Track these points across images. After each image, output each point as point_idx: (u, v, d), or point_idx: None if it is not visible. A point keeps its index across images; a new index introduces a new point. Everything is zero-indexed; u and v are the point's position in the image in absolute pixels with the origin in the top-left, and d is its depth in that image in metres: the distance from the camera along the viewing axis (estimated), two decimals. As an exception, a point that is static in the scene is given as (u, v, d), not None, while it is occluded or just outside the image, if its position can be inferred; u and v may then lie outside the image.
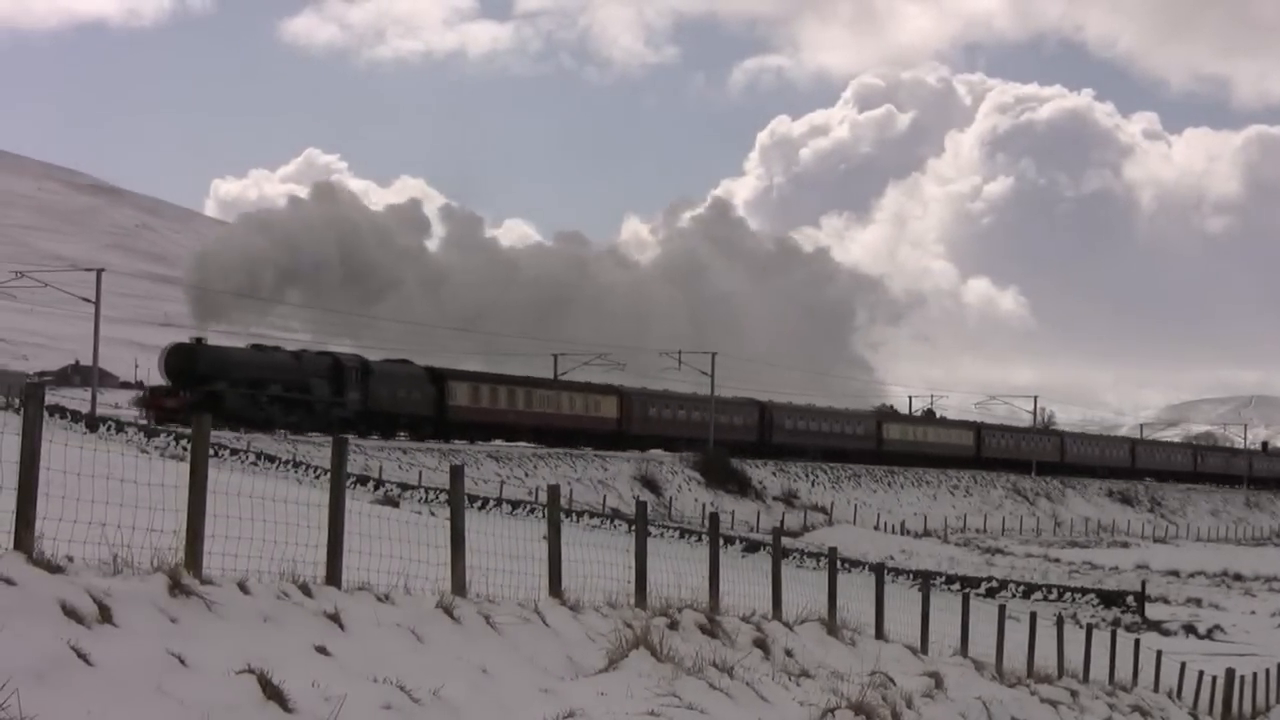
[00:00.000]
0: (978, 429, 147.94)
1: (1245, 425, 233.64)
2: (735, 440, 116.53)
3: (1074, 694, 21.21)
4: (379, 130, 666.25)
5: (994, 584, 70.67)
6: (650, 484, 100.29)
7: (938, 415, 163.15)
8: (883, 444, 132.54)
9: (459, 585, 13.95)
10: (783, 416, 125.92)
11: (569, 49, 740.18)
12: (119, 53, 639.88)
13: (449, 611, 12.59)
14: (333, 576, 12.50)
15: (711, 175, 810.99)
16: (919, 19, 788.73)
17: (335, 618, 11.21)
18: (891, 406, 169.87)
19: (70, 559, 10.63)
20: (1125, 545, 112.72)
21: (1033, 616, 29.07)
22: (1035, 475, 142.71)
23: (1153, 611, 68.92)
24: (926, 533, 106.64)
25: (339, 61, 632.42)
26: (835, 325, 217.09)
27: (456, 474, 14.87)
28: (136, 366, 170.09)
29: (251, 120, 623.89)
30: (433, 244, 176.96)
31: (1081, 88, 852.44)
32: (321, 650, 10.36)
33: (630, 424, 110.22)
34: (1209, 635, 62.17)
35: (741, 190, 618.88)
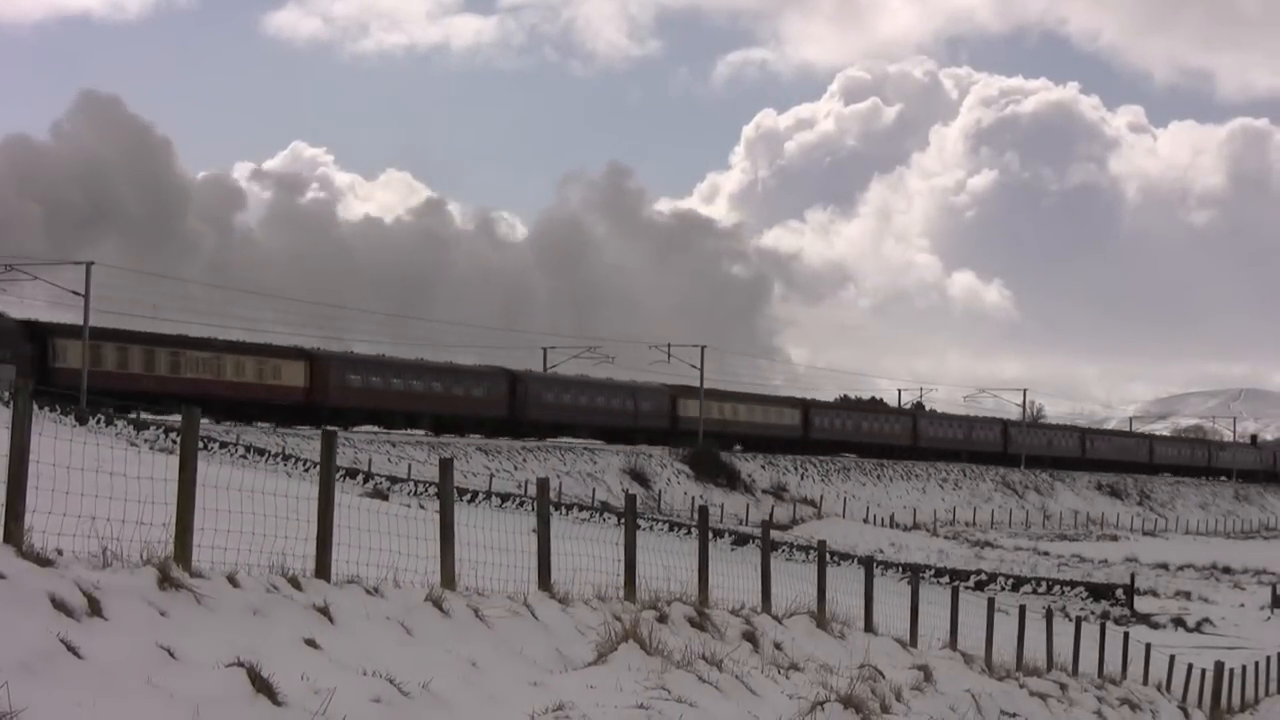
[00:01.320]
0: (805, 407, 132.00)
1: (1234, 419, 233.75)
2: (478, 416, 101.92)
3: (1063, 687, 21.26)
4: (364, 123, 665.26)
5: (983, 577, 70.87)
6: (639, 477, 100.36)
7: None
8: (678, 422, 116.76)
9: (448, 578, 13.96)
10: (540, 389, 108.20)
11: (552, 42, 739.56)
12: (103, 46, 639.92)
13: (438, 605, 12.60)
14: (322, 570, 12.51)
15: (697, 169, 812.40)
16: (901, 13, 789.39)
17: (325, 611, 11.21)
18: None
19: (60, 552, 10.63)
20: (1114, 538, 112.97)
21: (1022, 609, 29.09)
22: (880, 461, 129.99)
23: (1142, 604, 69.11)
24: (916, 526, 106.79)
25: (322, 55, 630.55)
26: (745, 305, 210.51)
27: (446, 467, 14.89)
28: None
29: (236, 113, 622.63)
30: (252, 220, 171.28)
31: (1067, 81, 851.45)
32: (311, 643, 10.36)
33: (326, 394, 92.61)
34: (1198, 628, 62.33)
35: (727, 184, 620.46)
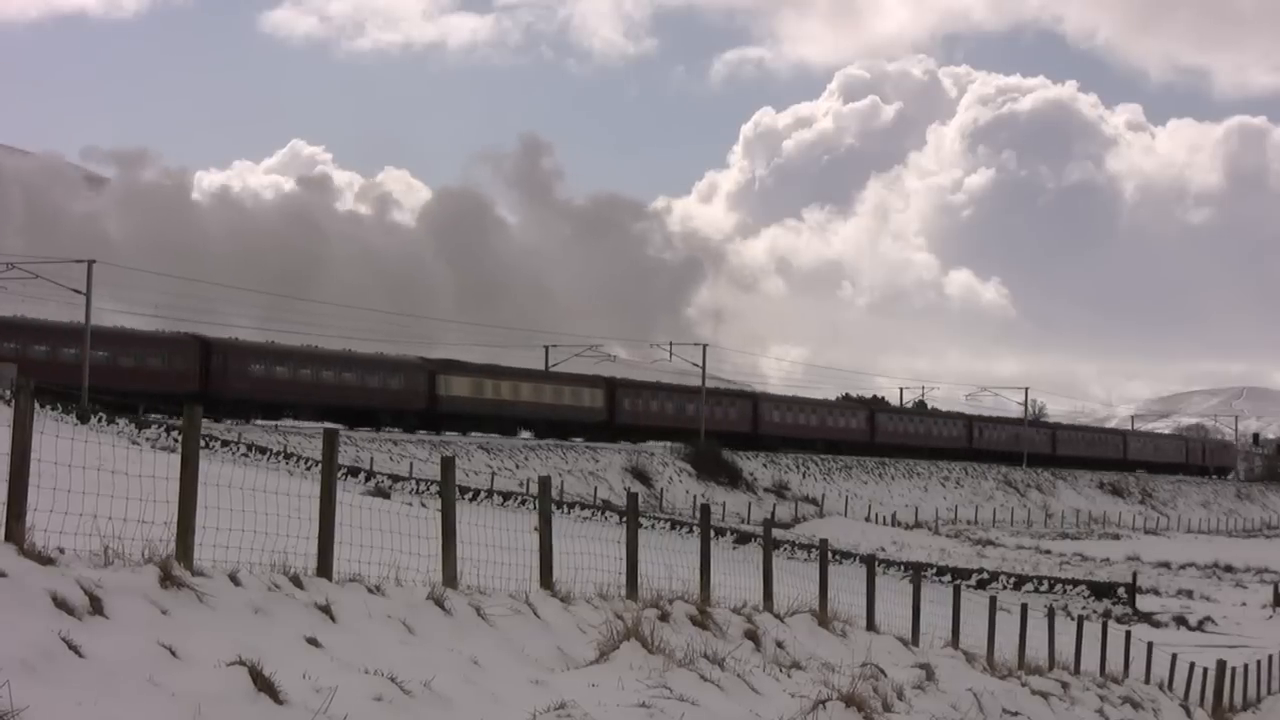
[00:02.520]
0: (612, 387, 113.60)
1: (1236, 417, 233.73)
2: (157, 391, 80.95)
3: (1065, 685, 21.23)
4: (361, 122, 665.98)
5: (985, 576, 70.87)
6: (641, 476, 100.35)
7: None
8: (438, 402, 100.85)
9: (450, 577, 13.95)
10: (244, 360, 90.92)
11: (548, 41, 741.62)
12: (100, 44, 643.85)
13: (440, 603, 12.59)
14: (324, 568, 12.50)
15: (697, 167, 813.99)
16: (897, 11, 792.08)
17: (326, 609, 11.20)
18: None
19: (61, 550, 10.63)
20: (1116, 537, 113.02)
21: (1024, 608, 29.09)
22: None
23: (1144, 603, 69.10)
24: (918, 524, 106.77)
25: (319, 53, 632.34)
26: (669, 291, 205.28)
27: (447, 466, 14.88)
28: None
29: (234, 112, 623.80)
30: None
31: (1065, 79, 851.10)
32: (312, 642, 10.35)
33: None
34: (1200, 627, 62.35)
35: (725, 183, 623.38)
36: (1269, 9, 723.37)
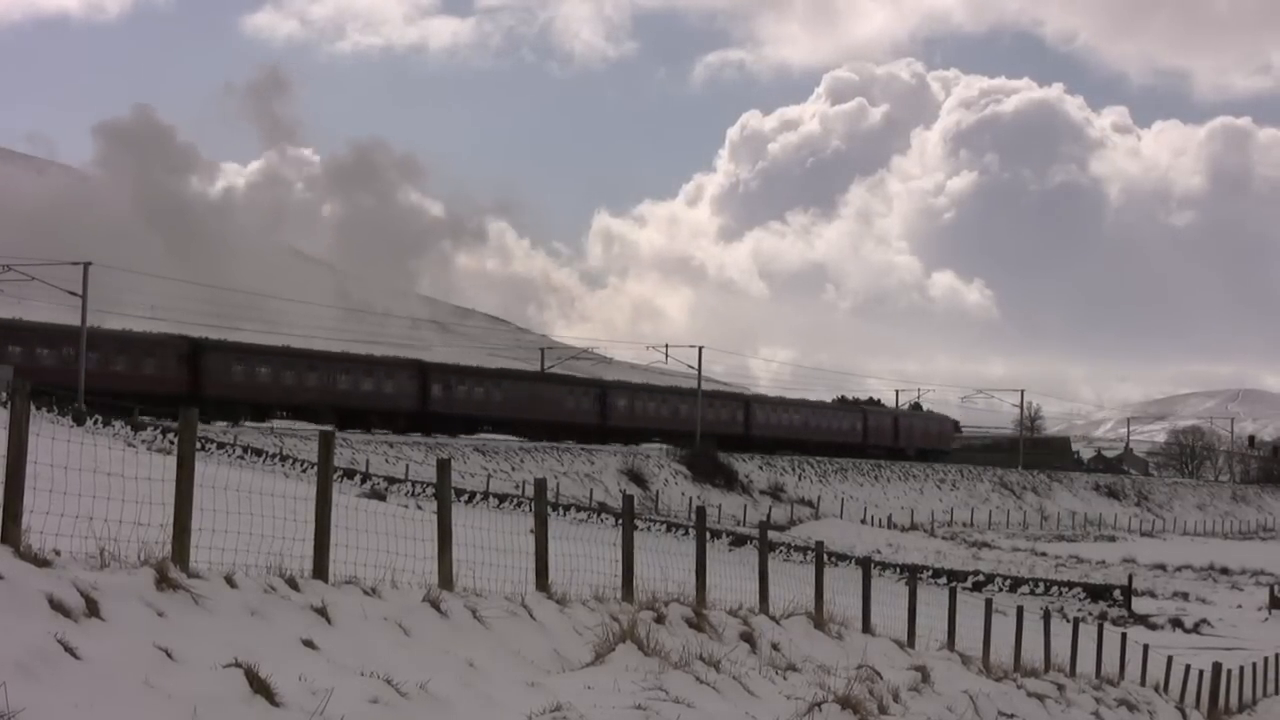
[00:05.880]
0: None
1: (1232, 419, 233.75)
2: None
3: (1061, 688, 21.25)
4: (346, 125, 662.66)
5: (981, 578, 70.90)
6: (637, 478, 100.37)
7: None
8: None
9: (446, 579, 13.96)
10: None
11: (529, 44, 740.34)
12: (82, 47, 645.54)
13: (436, 605, 12.60)
14: (320, 570, 12.50)
15: (685, 170, 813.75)
16: (876, 14, 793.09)
17: (322, 611, 11.21)
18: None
19: (58, 553, 10.63)
20: (1112, 539, 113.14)
21: (1019, 610, 29.10)
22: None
23: (1139, 605, 69.12)
24: (913, 527, 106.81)
25: (299, 56, 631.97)
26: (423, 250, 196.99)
27: (443, 468, 14.88)
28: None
29: (218, 114, 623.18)
30: None
31: (1048, 82, 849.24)
32: (309, 644, 10.36)
33: None
34: (1196, 629, 62.37)
35: (711, 186, 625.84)
36: (1244, 12, 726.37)
